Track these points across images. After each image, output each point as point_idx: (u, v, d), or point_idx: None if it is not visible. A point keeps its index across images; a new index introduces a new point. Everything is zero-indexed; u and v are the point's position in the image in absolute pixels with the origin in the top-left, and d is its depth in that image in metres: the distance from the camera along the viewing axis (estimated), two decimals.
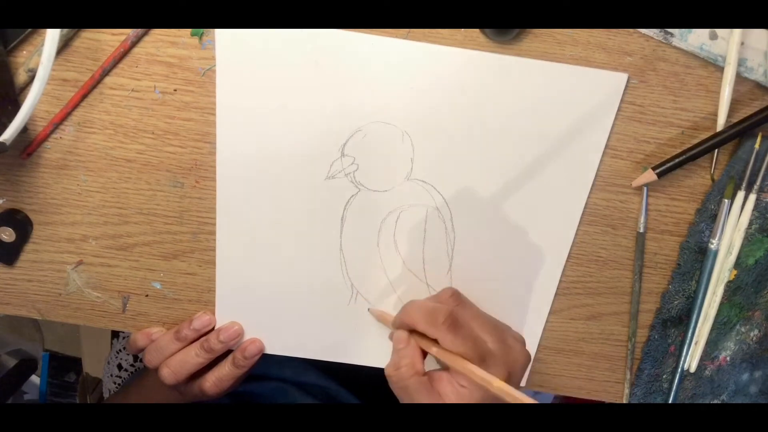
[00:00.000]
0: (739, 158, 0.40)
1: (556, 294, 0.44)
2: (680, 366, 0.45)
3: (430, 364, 0.38)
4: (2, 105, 0.35)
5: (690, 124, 0.39)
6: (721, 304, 0.43)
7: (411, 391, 0.37)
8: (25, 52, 0.37)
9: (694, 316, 0.44)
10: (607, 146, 0.40)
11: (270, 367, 0.58)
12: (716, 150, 0.40)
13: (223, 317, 0.44)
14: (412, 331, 0.39)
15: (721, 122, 0.39)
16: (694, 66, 0.38)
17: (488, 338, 0.37)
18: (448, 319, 0.36)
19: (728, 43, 0.37)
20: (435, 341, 0.37)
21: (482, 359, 0.36)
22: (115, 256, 0.43)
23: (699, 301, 0.43)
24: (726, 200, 0.40)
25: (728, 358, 0.46)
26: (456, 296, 0.40)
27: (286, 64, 0.37)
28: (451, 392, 0.36)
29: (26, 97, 0.33)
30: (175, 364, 0.44)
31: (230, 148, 0.39)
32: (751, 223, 0.41)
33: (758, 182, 0.40)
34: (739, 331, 0.45)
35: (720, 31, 0.37)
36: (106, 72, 0.37)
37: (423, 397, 0.36)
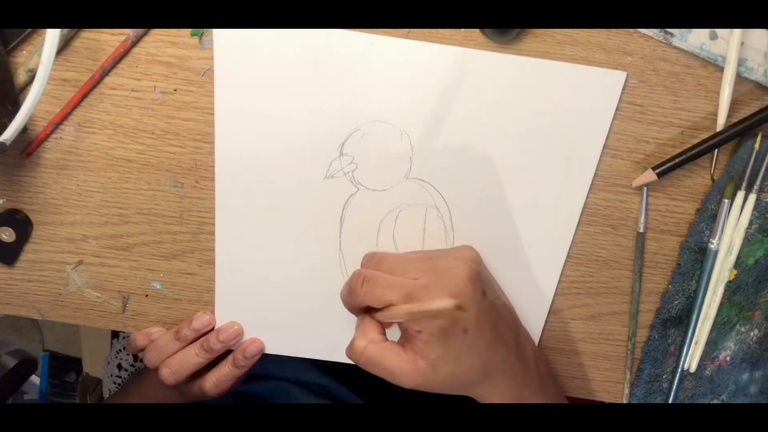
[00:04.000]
0: (739, 158, 0.40)
1: (556, 294, 0.44)
2: (680, 366, 0.45)
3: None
4: (2, 105, 0.35)
5: (690, 124, 0.39)
6: (721, 304, 0.43)
7: (376, 358, 0.35)
8: (25, 52, 0.37)
9: (694, 316, 0.44)
10: (606, 146, 0.40)
11: (270, 366, 0.58)
12: (716, 150, 0.40)
13: (222, 317, 0.44)
14: (367, 312, 0.38)
15: (721, 122, 0.39)
16: (694, 66, 0.38)
17: (417, 274, 0.36)
18: (364, 280, 0.36)
19: (728, 43, 0.37)
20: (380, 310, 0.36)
21: (419, 297, 0.34)
22: (115, 256, 0.43)
23: (699, 301, 0.43)
24: (726, 200, 0.40)
25: (728, 358, 0.46)
26: (371, 257, 0.39)
27: (284, 63, 0.37)
28: (416, 340, 0.35)
29: (26, 97, 0.34)
30: (175, 364, 0.44)
31: (229, 148, 0.39)
32: (751, 223, 0.41)
33: (758, 182, 0.40)
34: (739, 331, 0.45)
35: (720, 31, 0.37)
36: (106, 72, 0.37)
37: (392, 360, 0.35)
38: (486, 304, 0.36)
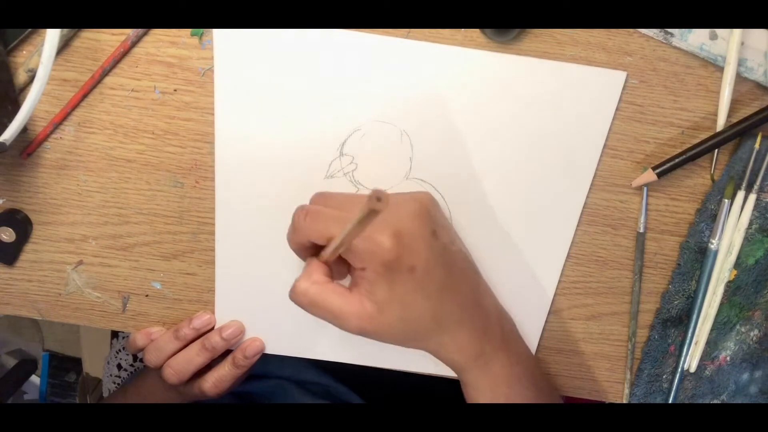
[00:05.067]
0: (739, 158, 0.40)
1: (556, 294, 0.44)
2: (680, 366, 0.45)
3: None
4: (2, 105, 0.35)
5: (690, 124, 0.39)
6: (721, 304, 0.43)
7: (318, 300, 0.34)
8: (25, 52, 0.37)
9: (694, 316, 0.44)
10: (606, 146, 0.40)
11: (269, 366, 0.58)
12: (716, 150, 0.40)
13: (222, 317, 0.44)
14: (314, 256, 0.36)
15: (721, 122, 0.39)
16: (694, 66, 0.38)
17: (351, 208, 0.34)
18: (307, 214, 0.34)
19: (728, 43, 0.37)
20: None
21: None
22: (115, 256, 0.43)
23: (699, 301, 0.43)
24: (726, 200, 0.40)
25: (728, 358, 0.46)
26: (320, 195, 0.37)
27: (284, 63, 0.37)
28: (362, 281, 0.33)
29: (26, 97, 0.34)
30: (178, 364, 0.44)
31: (229, 148, 0.39)
32: (751, 223, 0.41)
33: (758, 182, 0.40)
34: (739, 331, 0.45)
35: (720, 31, 0.37)
36: (106, 72, 0.37)
37: (336, 301, 0.33)
38: (437, 246, 0.34)
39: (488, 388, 0.38)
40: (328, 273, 0.35)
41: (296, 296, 0.34)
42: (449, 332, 0.36)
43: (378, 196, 0.26)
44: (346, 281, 0.36)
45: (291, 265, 0.43)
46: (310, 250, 0.35)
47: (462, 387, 0.40)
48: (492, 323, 0.39)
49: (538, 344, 0.45)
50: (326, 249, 0.33)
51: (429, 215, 0.34)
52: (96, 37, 0.37)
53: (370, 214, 0.27)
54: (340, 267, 0.36)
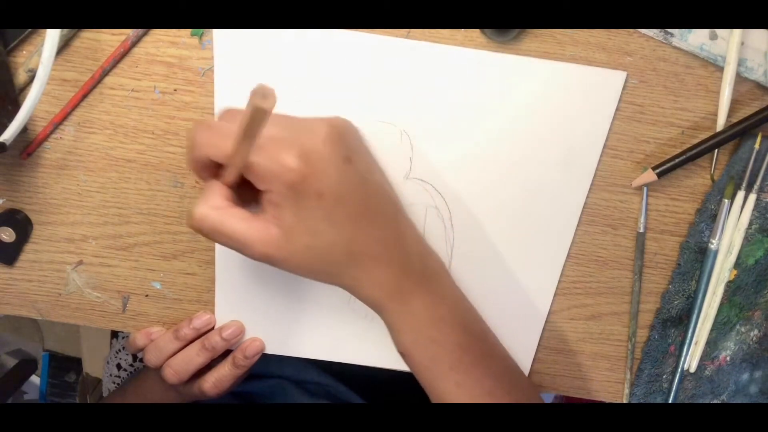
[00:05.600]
0: (739, 158, 0.40)
1: (556, 294, 0.44)
2: (680, 366, 0.45)
3: None
4: (2, 105, 0.35)
5: (690, 124, 0.39)
6: (721, 304, 0.43)
7: (218, 225, 0.31)
8: (25, 52, 0.37)
9: (694, 316, 0.44)
10: (606, 146, 0.40)
11: (269, 365, 0.58)
12: (716, 150, 0.40)
13: (222, 317, 0.44)
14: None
15: (721, 122, 0.39)
16: (694, 66, 0.38)
17: (271, 129, 0.30)
18: (207, 128, 0.31)
19: (728, 43, 0.37)
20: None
21: (265, 148, 0.30)
22: (115, 256, 0.43)
23: (699, 301, 0.43)
24: (726, 200, 0.40)
25: (728, 358, 0.46)
26: (227, 110, 0.33)
27: (284, 63, 0.37)
28: (268, 206, 0.31)
29: (26, 97, 0.34)
30: (177, 363, 0.44)
31: None
32: (751, 223, 0.41)
33: (758, 182, 0.40)
34: (739, 331, 0.45)
35: (720, 31, 0.37)
36: (106, 72, 0.37)
37: (238, 226, 0.31)
38: (350, 172, 0.32)
39: (410, 329, 0.36)
40: (230, 197, 0.32)
41: (194, 222, 0.31)
42: (363, 267, 0.34)
43: (264, 93, 0.22)
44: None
45: None
46: (210, 170, 0.32)
47: (389, 333, 0.37)
48: (412, 260, 0.36)
49: (538, 344, 0.45)
50: (225, 168, 0.31)
51: (342, 140, 0.32)
52: (96, 37, 0.37)
53: (257, 114, 0.24)
54: (247, 192, 0.33)
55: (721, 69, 0.38)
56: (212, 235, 0.31)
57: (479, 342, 0.39)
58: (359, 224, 0.33)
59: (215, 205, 0.31)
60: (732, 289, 0.43)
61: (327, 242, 0.32)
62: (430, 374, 0.37)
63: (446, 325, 0.37)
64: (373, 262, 0.34)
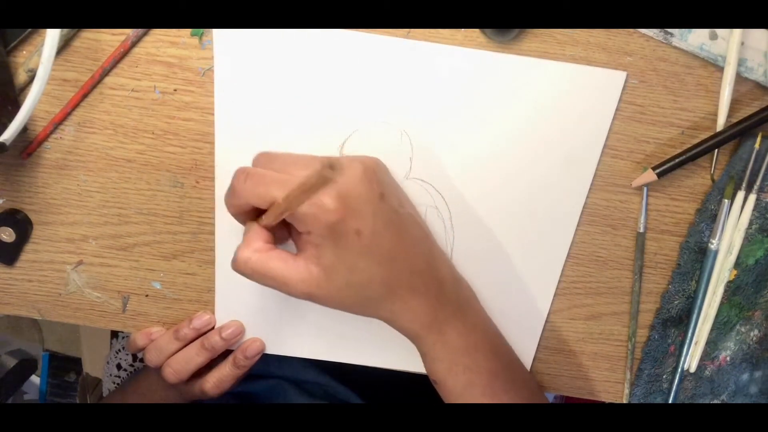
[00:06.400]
0: (739, 158, 0.40)
1: (556, 294, 0.44)
2: (680, 366, 0.45)
3: None
4: (2, 105, 0.35)
5: (690, 124, 0.39)
6: (721, 304, 0.43)
7: (261, 268, 0.32)
8: (25, 52, 0.37)
9: (694, 316, 0.44)
10: (607, 146, 0.40)
11: (269, 365, 0.58)
12: (716, 150, 0.40)
13: (222, 317, 0.44)
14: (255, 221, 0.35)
15: (721, 122, 0.39)
16: (694, 66, 0.38)
17: (308, 172, 0.31)
18: (247, 176, 0.32)
19: (728, 43, 0.37)
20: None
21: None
22: (115, 256, 0.43)
23: (699, 301, 0.43)
24: (726, 200, 0.40)
25: (728, 358, 0.46)
26: (261, 155, 0.35)
27: (284, 63, 0.37)
28: (307, 246, 0.32)
29: (26, 97, 0.34)
30: (177, 363, 0.44)
31: (229, 148, 0.39)
32: (751, 223, 0.41)
33: (758, 182, 0.40)
34: (739, 331, 0.45)
35: (720, 31, 0.37)
36: (106, 72, 0.37)
37: (280, 268, 0.32)
38: (385, 209, 0.33)
39: (445, 357, 0.37)
40: (270, 239, 0.33)
41: (238, 266, 0.33)
42: (401, 299, 0.35)
43: (331, 164, 0.25)
44: (290, 249, 0.35)
45: None
46: (250, 215, 0.34)
47: (422, 360, 0.38)
48: (446, 290, 0.37)
49: (538, 344, 0.45)
50: (268, 213, 0.32)
51: (376, 178, 0.33)
52: (96, 37, 0.37)
53: (321, 182, 0.26)
54: (282, 231, 0.34)
55: (721, 69, 0.38)
56: (255, 277, 0.33)
57: (507, 368, 0.41)
58: (395, 258, 0.34)
59: (257, 248, 0.33)
60: (732, 289, 0.43)
61: (365, 278, 0.33)
62: (462, 401, 0.38)
63: (479, 352, 0.38)
64: (409, 294, 0.35)
